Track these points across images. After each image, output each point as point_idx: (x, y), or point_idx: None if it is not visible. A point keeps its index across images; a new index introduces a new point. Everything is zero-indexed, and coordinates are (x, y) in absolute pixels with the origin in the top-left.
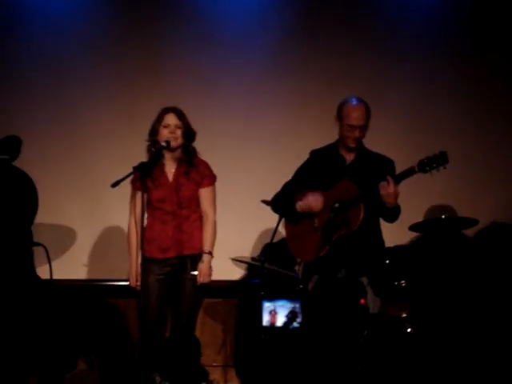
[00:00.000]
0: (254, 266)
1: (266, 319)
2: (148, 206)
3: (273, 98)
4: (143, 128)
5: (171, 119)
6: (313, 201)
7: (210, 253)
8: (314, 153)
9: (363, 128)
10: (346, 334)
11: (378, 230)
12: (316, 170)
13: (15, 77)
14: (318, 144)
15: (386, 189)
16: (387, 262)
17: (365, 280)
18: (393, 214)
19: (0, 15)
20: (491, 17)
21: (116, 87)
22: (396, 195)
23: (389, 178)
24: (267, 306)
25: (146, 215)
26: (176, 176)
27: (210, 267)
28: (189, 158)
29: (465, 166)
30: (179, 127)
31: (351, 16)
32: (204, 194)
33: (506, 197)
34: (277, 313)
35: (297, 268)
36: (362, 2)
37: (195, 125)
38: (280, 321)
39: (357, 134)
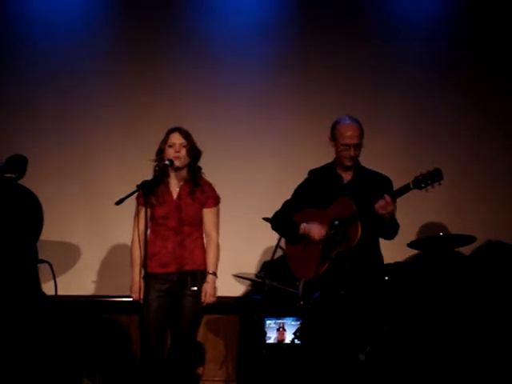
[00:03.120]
0: (255, 283)
1: (273, 336)
2: (151, 221)
3: (275, 113)
4: (146, 143)
5: (176, 138)
6: (315, 231)
7: (215, 273)
8: (312, 172)
9: (358, 146)
10: (348, 350)
11: (377, 247)
12: (314, 189)
13: (16, 92)
14: (321, 158)
15: (385, 208)
16: (386, 278)
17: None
18: (391, 229)
19: (1, 29)
20: (490, 30)
21: (118, 102)
22: (392, 212)
23: (386, 197)
24: (269, 323)
25: (148, 231)
26: (180, 194)
27: (215, 287)
28: (194, 178)
29: (463, 181)
30: (184, 146)
31: (351, 31)
32: (208, 214)
33: (503, 214)
34: (285, 330)
35: (298, 284)
36: (362, 16)
37: (196, 139)
38: (288, 338)
39: (352, 152)
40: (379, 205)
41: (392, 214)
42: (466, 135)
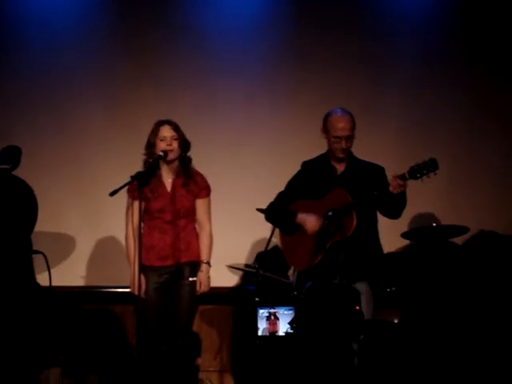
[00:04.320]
0: (249, 273)
1: (265, 326)
2: (146, 215)
3: (271, 106)
4: (141, 136)
5: (167, 131)
6: (311, 223)
7: (208, 262)
8: (305, 164)
9: (349, 138)
10: (341, 340)
11: (375, 237)
12: (308, 181)
13: (13, 85)
14: (316, 151)
15: (399, 187)
16: (389, 289)
17: (363, 286)
18: (400, 207)
19: None
20: (485, 25)
21: (113, 96)
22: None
23: (398, 180)
24: (262, 312)
25: (142, 224)
26: (174, 186)
27: (209, 277)
28: (186, 169)
29: (456, 172)
30: (175, 139)
31: (348, 24)
32: (201, 204)
33: (495, 204)
34: (278, 319)
35: (290, 274)
36: (359, 9)
37: (193, 133)
38: (282, 328)
39: (344, 144)
40: (393, 186)
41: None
42: (461, 127)
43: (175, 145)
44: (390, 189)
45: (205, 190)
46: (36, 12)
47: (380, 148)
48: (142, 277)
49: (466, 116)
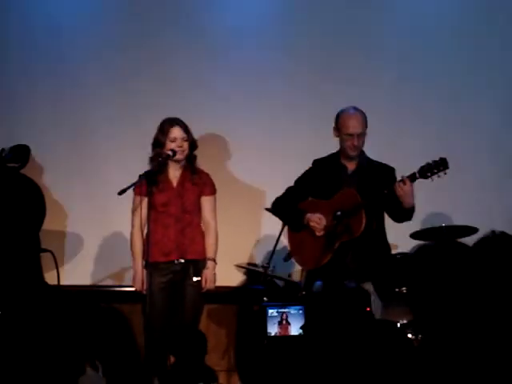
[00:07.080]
0: (257, 273)
1: (276, 329)
2: (152, 210)
3: (274, 107)
4: (148, 134)
5: (178, 133)
6: (316, 221)
7: (214, 260)
8: (316, 162)
9: (361, 136)
10: (351, 341)
11: (383, 237)
12: (318, 179)
13: (18, 82)
14: (320, 151)
15: (403, 188)
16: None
17: (369, 286)
18: (408, 213)
19: (4, 21)
20: (493, 25)
21: (123, 95)
22: (412, 193)
23: (404, 178)
24: (271, 312)
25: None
26: (180, 181)
27: (215, 274)
28: (192, 166)
29: (466, 171)
30: (185, 140)
31: (351, 25)
32: (205, 202)
33: (506, 204)
34: (290, 324)
35: (299, 273)
36: (362, 12)
37: (197, 131)
38: (293, 330)
39: (355, 142)
40: (398, 186)
41: (412, 197)
42: (468, 127)
43: (186, 146)
44: (395, 188)
45: (209, 187)
46: (42, 7)
47: (385, 144)
48: (145, 272)
49: (471, 114)
